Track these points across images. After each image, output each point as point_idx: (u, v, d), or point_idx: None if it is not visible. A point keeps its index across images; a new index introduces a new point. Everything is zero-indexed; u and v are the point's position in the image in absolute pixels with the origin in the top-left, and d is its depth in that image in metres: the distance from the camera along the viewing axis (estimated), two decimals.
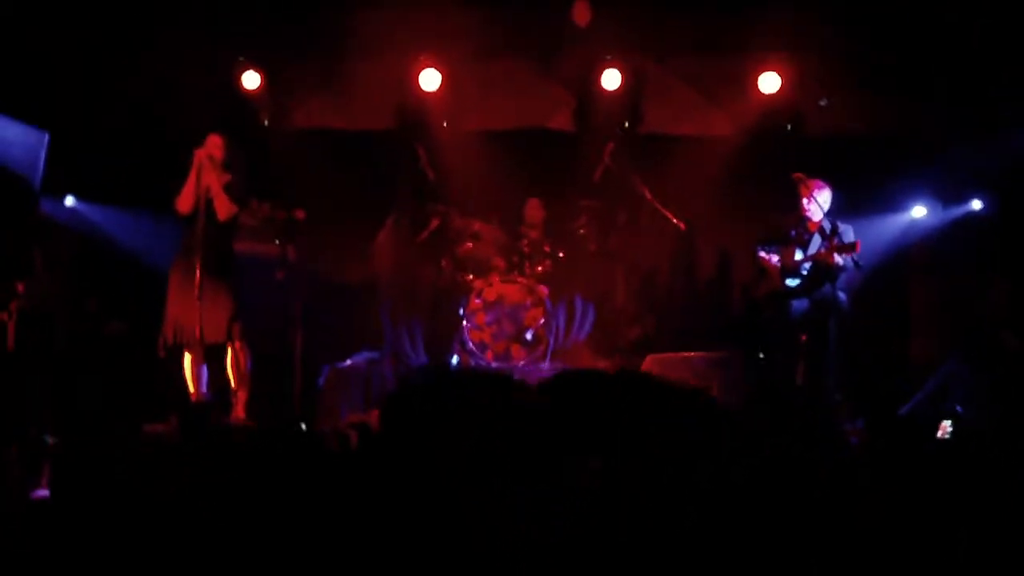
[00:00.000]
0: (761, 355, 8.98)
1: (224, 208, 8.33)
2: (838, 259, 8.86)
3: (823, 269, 9.03)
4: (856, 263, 8.77)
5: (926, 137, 10.21)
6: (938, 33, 9.80)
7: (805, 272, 9.16)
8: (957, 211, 10.50)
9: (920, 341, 10.43)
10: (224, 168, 8.42)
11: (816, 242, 9.17)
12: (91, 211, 10.57)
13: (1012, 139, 9.67)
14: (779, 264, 9.22)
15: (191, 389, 8.32)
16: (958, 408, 8.64)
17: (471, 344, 10.05)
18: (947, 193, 10.47)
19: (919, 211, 10.56)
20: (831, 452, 7.07)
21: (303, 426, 5.85)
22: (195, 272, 8.07)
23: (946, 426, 7.32)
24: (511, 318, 10.12)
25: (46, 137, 9.65)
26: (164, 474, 5.44)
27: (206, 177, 8.30)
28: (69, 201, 10.54)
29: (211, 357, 8.42)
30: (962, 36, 9.74)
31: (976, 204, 10.41)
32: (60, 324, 9.30)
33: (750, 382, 8.53)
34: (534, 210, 10.69)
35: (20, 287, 8.77)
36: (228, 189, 8.36)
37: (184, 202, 8.32)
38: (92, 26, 9.60)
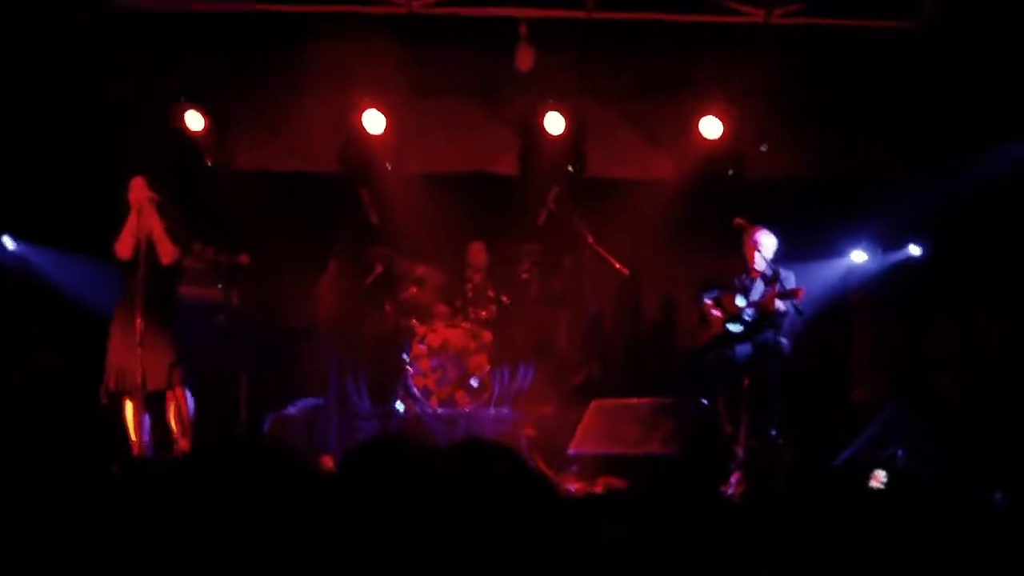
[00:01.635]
0: (704, 401, 9.02)
1: (167, 252, 8.25)
2: (780, 305, 8.97)
3: (766, 315, 9.13)
4: (797, 309, 8.87)
5: (865, 183, 10.35)
6: (876, 80, 9.95)
7: (748, 318, 9.26)
8: (895, 256, 10.61)
9: (861, 386, 10.53)
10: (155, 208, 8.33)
11: (759, 288, 9.27)
12: (29, 252, 10.42)
13: (947, 185, 9.81)
14: (721, 312, 9.31)
15: (132, 437, 8.19)
16: (899, 452, 8.73)
17: (415, 390, 10.00)
18: (886, 238, 10.59)
19: (859, 256, 10.66)
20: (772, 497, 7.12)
21: None
22: (135, 318, 7.99)
23: (880, 476, 7.36)
24: (455, 363, 10.10)
25: None
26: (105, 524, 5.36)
27: (148, 221, 8.22)
28: (6, 240, 10.38)
29: (153, 404, 8.31)
30: (901, 84, 9.90)
31: (914, 249, 10.54)
32: None
33: (693, 428, 8.55)
34: (477, 254, 10.68)
35: None
36: (169, 232, 8.28)
37: (123, 247, 8.21)
38: (31, 66, 9.50)
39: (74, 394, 9.00)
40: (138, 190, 8.30)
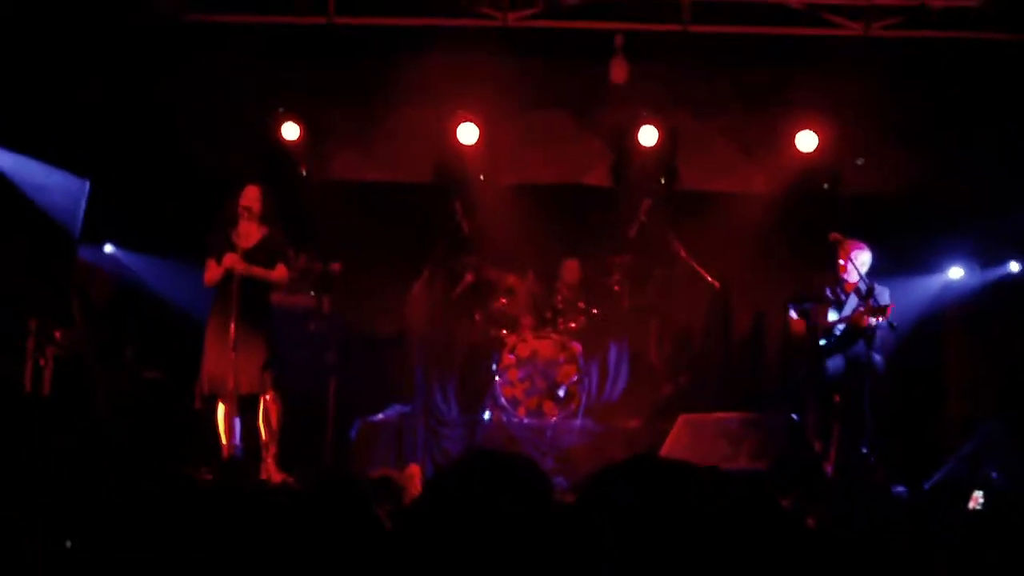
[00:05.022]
0: (794, 416, 8.91)
1: (279, 277, 8.45)
2: (871, 321, 8.84)
3: (856, 330, 9.01)
4: (891, 325, 8.74)
5: (964, 198, 10.15)
6: (977, 93, 9.77)
7: (838, 333, 9.14)
8: (995, 273, 10.41)
9: (956, 404, 10.32)
10: (261, 220, 8.46)
11: (852, 303, 9.15)
12: (129, 259, 10.65)
13: None
14: (805, 322, 9.22)
15: (223, 441, 8.31)
16: (993, 475, 8.55)
17: (503, 400, 10.02)
18: (985, 254, 10.40)
19: (956, 272, 10.49)
20: (866, 515, 7.03)
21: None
22: (230, 323, 8.12)
23: (978, 497, 7.22)
24: (544, 374, 10.10)
25: (87, 184, 9.74)
26: (196, 527, 5.44)
27: (251, 230, 8.35)
28: (108, 248, 10.62)
29: (246, 408, 8.42)
30: (1001, 97, 9.71)
31: (1014, 266, 10.33)
32: (96, 372, 9.35)
33: (782, 444, 8.44)
34: (572, 271, 10.70)
35: (57, 334, 8.83)
36: (266, 247, 8.40)
37: (210, 278, 8.40)
38: (134, 75, 9.71)
39: (174, 402, 9.11)
40: (252, 200, 8.44)
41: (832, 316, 9.20)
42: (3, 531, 5.32)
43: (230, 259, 8.27)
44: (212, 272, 8.40)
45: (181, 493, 6.66)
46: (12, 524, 5.49)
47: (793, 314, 9.30)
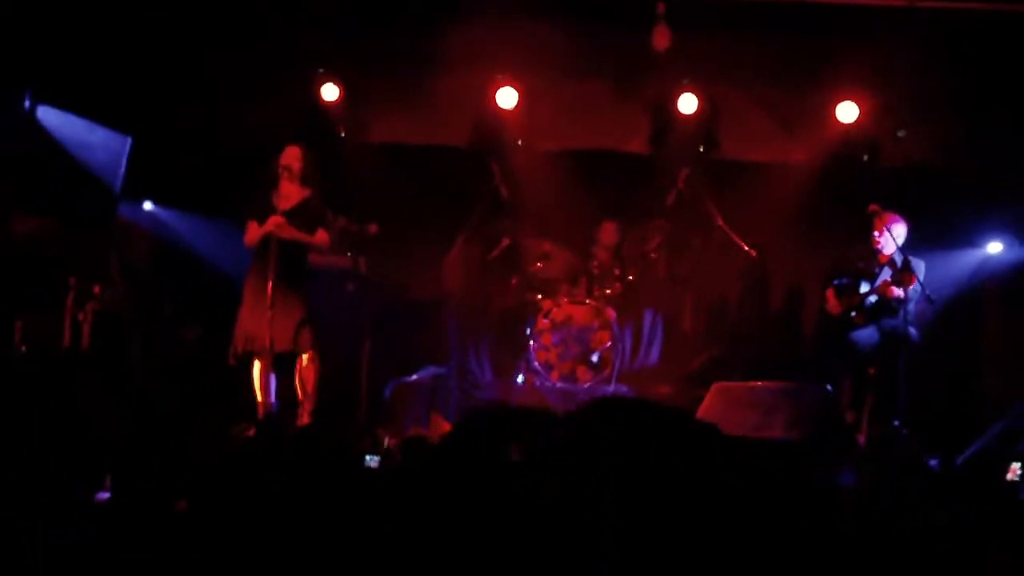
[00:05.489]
0: (828, 387, 8.90)
1: (320, 244, 8.49)
2: (897, 291, 8.84)
3: (885, 301, 9.01)
4: (929, 298, 8.72)
5: (1004, 172, 10.07)
6: (1019, 66, 9.68)
7: (869, 304, 9.14)
8: None
9: (992, 378, 10.28)
10: (301, 180, 8.50)
11: (885, 275, 9.13)
12: (168, 216, 10.72)
13: None
14: (841, 300, 9.22)
15: (259, 398, 8.39)
16: None
17: (537, 363, 10.06)
18: None
19: (995, 247, 10.41)
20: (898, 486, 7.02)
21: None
22: (268, 282, 8.18)
23: (1016, 468, 7.20)
24: (578, 339, 10.12)
25: (128, 141, 9.80)
26: (236, 479, 5.50)
27: (287, 231, 8.38)
28: (147, 205, 10.69)
29: (281, 366, 8.49)
30: None
31: None
32: (135, 328, 9.43)
33: (816, 414, 8.44)
34: (609, 233, 10.66)
35: (96, 289, 8.92)
36: (306, 209, 8.44)
37: (251, 240, 8.45)
38: (175, 34, 9.75)
39: (212, 359, 9.18)
40: (292, 159, 8.49)
41: (864, 288, 9.20)
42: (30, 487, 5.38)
43: (274, 222, 8.32)
44: (253, 233, 8.45)
45: (220, 451, 6.74)
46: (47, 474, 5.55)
47: (830, 294, 9.32)
